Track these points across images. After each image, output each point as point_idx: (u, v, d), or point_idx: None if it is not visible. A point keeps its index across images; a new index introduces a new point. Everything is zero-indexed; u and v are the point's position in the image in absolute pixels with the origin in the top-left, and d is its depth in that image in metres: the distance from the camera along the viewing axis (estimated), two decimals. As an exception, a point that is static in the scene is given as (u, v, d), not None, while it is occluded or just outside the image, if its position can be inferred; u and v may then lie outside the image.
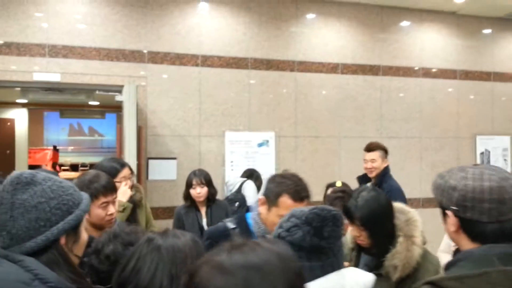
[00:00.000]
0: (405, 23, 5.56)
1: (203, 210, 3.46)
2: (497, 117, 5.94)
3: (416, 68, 5.59)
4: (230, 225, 1.87)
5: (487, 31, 5.90)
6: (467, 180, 1.15)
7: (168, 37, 4.74)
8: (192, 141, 4.81)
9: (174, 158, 4.72)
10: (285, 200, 1.71)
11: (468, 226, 1.15)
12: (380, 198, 1.79)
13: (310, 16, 5.20)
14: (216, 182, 4.78)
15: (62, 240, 1.17)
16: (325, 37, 5.23)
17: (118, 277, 1.20)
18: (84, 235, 1.27)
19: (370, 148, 3.73)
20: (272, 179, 1.83)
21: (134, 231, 1.60)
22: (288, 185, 1.73)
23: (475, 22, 5.83)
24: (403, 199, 3.26)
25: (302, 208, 1.32)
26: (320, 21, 5.23)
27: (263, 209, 1.80)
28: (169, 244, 1.19)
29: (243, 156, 4.92)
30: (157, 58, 4.70)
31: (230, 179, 4.46)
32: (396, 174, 5.38)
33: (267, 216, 1.78)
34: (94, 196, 1.91)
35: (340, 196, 2.42)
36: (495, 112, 5.94)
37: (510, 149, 5.96)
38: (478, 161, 5.84)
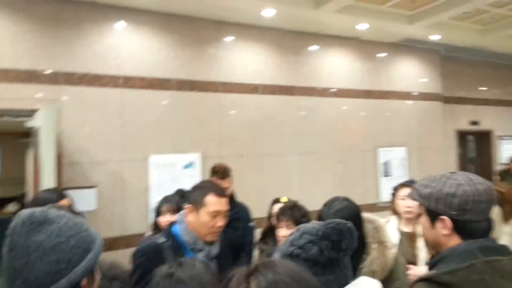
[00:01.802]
0: (315, 47, 5.97)
1: None
2: (394, 130, 6.65)
3: (326, 89, 6.02)
4: (161, 239, 1.97)
5: (383, 54, 6.61)
6: (463, 186, 1.30)
7: (85, 57, 4.46)
8: (114, 167, 4.56)
9: (93, 187, 4.43)
10: (211, 198, 1.94)
11: (464, 227, 1.31)
12: (351, 207, 1.93)
13: (231, 38, 5.31)
14: (141, 208, 4.65)
15: (84, 282, 1.06)
16: (245, 59, 5.38)
17: None
18: (98, 275, 1.17)
19: (224, 175, 3.52)
20: (193, 189, 2.05)
21: (114, 266, 1.53)
22: (210, 186, 2.01)
23: (374, 47, 6.49)
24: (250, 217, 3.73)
25: (312, 224, 1.35)
26: (240, 43, 5.37)
27: (192, 216, 1.95)
28: (192, 275, 1.18)
29: (169, 180, 4.81)
30: (73, 79, 4.39)
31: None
32: (313, 186, 5.75)
33: (197, 220, 1.94)
34: None
35: (291, 207, 2.53)
36: (392, 126, 6.64)
37: (407, 158, 6.71)
38: (381, 171, 6.48)
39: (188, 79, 5.00)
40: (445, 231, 1.32)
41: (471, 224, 1.30)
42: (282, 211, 2.52)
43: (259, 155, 5.42)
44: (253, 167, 5.35)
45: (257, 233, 3.53)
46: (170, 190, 4.65)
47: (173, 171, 4.83)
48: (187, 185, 4.75)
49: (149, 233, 4.00)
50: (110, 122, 4.55)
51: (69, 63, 4.37)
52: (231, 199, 3.41)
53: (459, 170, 7.60)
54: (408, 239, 2.94)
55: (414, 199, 1.44)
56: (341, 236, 1.29)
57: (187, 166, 4.91)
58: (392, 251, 1.94)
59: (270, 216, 3.20)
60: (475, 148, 8.31)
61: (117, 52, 4.63)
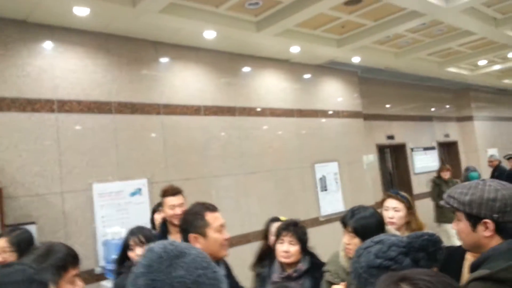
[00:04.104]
0: (251, 69, 6.11)
1: None
2: (326, 147, 6.99)
3: (264, 109, 6.16)
4: None
5: (310, 75, 6.98)
6: (501, 190, 1.44)
7: (15, 80, 4.03)
8: (54, 200, 4.12)
9: (33, 223, 3.94)
10: (210, 215, 1.96)
11: (504, 228, 1.43)
12: (378, 215, 2.02)
13: (170, 59, 5.21)
14: (88, 243, 4.23)
15: None
16: (185, 80, 5.30)
17: None
18: None
19: (175, 191, 3.17)
20: (186, 218, 1.99)
21: None
22: (201, 207, 2.00)
23: (302, 69, 6.83)
24: None
25: (394, 237, 1.34)
26: (180, 64, 5.28)
27: (200, 243, 1.89)
28: None
29: (115, 209, 4.46)
30: (2, 105, 3.93)
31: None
32: (260, 205, 5.76)
33: (208, 242, 1.90)
34: (62, 269, 1.57)
35: (294, 223, 2.54)
36: (324, 143, 6.97)
37: (338, 173, 7.07)
38: (318, 186, 6.72)
39: (129, 101, 4.76)
40: (487, 233, 1.44)
41: (511, 224, 1.43)
42: (286, 227, 2.51)
43: (206, 176, 5.30)
44: (200, 189, 5.20)
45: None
46: (117, 221, 4.36)
47: (119, 199, 4.49)
48: (135, 214, 4.49)
49: (109, 267, 3.67)
50: (46, 151, 4.13)
51: (-4, 87, 3.91)
52: None
53: (381, 181, 8.18)
54: None
55: (452, 207, 1.52)
56: (436, 246, 1.31)
57: (134, 193, 4.61)
58: None
59: (266, 235, 3.00)
60: (392, 160, 9.05)
61: (51, 74, 4.26)
